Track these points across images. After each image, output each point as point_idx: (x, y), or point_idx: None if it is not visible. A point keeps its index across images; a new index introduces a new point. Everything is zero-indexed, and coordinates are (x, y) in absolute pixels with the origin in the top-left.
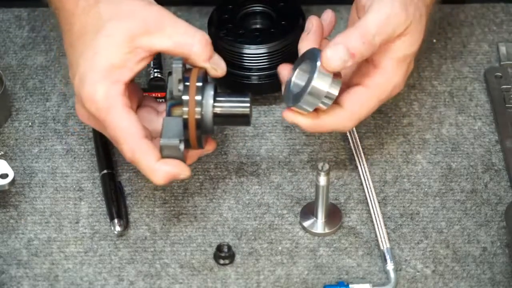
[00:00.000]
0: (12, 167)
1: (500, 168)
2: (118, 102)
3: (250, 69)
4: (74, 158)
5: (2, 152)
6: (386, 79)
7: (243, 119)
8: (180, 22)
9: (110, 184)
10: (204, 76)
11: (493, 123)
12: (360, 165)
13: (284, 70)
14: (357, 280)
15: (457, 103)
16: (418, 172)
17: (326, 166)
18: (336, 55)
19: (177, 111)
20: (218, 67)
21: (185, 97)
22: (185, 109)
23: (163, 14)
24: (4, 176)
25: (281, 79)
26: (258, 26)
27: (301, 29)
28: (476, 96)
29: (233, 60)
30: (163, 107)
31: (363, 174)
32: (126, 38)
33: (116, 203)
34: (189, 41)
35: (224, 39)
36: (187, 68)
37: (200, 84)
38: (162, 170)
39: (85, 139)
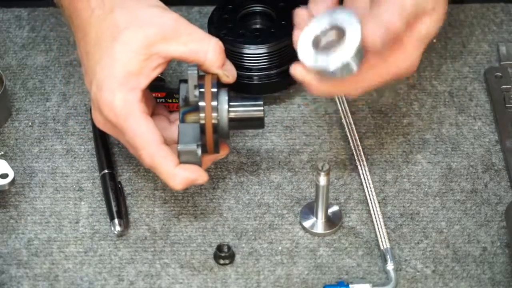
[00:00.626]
0: (12, 167)
1: (500, 168)
2: (136, 108)
3: (250, 69)
4: (74, 158)
5: (2, 152)
6: (404, 56)
7: (258, 122)
8: (195, 29)
9: (110, 184)
10: (218, 82)
11: (493, 123)
12: (360, 165)
13: (300, 16)
14: (357, 280)
15: (457, 103)
16: (418, 172)
17: (326, 166)
18: (378, 35)
19: (191, 117)
20: (230, 73)
21: (201, 103)
22: (202, 114)
23: (179, 21)
24: (4, 176)
25: (296, 23)
26: (258, 26)
27: None
28: (476, 96)
29: (233, 60)
30: (175, 116)
31: (363, 174)
32: (143, 45)
33: (116, 203)
34: (204, 48)
35: (224, 39)
36: (200, 74)
37: (215, 90)
38: (181, 175)
39: (85, 139)
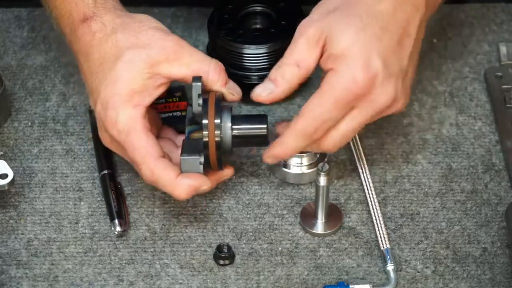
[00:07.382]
0: (11, 167)
1: (501, 168)
2: (138, 124)
3: (250, 69)
4: (74, 158)
5: (2, 152)
6: (337, 77)
7: (261, 140)
8: (196, 51)
9: (110, 184)
10: (221, 100)
11: (493, 123)
12: (360, 165)
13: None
14: (357, 281)
15: (457, 103)
16: (418, 172)
17: (326, 166)
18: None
19: (196, 135)
20: (234, 91)
21: (204, 121)
22: (205, 132)
23: (181, 44)
24: (4, 176)
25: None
26: (258, 26)
27: None
28: (476, 96)
29: (233, 60)
30: (181, 140)
31: (363, 174)
32: (146, 65)
33: (116, 203)
34: (205, 68)
35: (224, 39)
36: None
37: (218, 107)
38: (184, 183)
39: (85, 139)
